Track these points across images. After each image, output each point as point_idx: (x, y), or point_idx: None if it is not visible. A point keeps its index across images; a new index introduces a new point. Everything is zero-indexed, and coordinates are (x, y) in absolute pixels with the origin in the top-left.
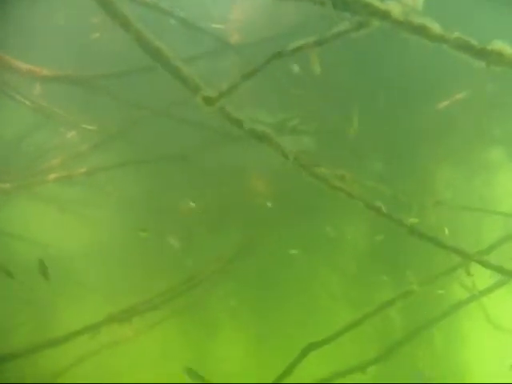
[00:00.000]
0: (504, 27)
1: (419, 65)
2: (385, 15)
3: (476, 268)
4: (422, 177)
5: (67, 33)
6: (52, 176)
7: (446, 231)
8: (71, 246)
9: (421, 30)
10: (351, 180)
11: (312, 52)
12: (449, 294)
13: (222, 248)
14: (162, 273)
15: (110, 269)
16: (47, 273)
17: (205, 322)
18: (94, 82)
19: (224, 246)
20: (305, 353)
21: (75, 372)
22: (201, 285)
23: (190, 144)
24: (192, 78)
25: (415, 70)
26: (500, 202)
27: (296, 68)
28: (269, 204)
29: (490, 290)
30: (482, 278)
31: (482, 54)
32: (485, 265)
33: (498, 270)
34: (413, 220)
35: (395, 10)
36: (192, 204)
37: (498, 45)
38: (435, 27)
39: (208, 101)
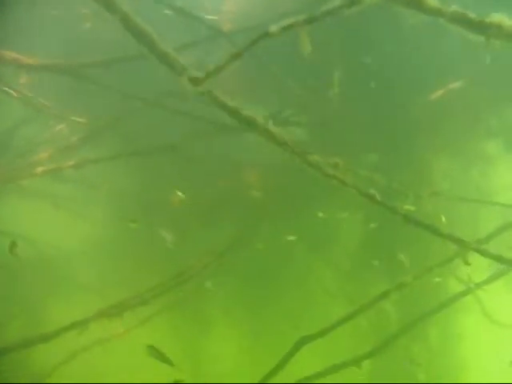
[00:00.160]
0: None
1: (414, 52)
2: None
3: (472, 261)
4: (417, 168)
5: (57, 23)
6: (40, 169)
7: (443, 219)
8: (63, 242)
9: (416, 4)
10: (345, 168)
11: (302, 31)
12: (445, 285)
13: (214, 241)
14: (154, 267)
15: (102, 264)
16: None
17: (197, 318)
18: (81, 71)
19: (216, 239)
20: (298, 346)
21: (65, 369)
22: (192, 279)
23: (181, 135)
24: (178, 61)
25: (410, 58)
26: (497, 193)
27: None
28: (259, 195)
29: (486, 283)
30: (479, 270)
31: (480, 27)
32: (483, 253)
33: (497, 258)
34: (408, 207)
35: None
36: (181, 194)
37: (497, 17)
38: (431, 0)
39: (195, 81)
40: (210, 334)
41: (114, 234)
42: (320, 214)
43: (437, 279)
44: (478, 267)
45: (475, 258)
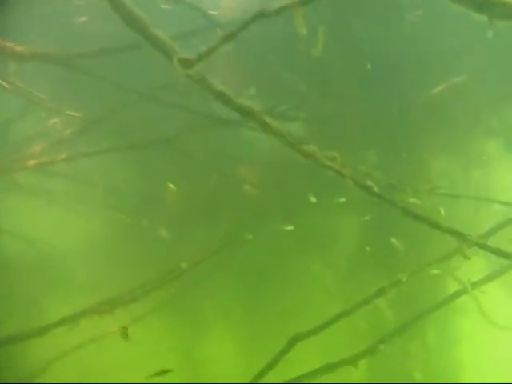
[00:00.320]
0: None
1: (413, 47)
2: None
3: (470, 263)
4: (416, 164)
5: (52, 16)
6: (32, 162)
7: (442, 212)
8: (58, 239)
9: None
10: (342, 162)
11: (297, 12)
12: (443, 283)
13: (209, 238)
14: (151, 264)
15: (98, 262)
16: None
17: (191, 317)
18: (74, 62)
19: (211, 236)
20: (291, 343)
21: (57, 368)
22: (186, 277)
23: (176, 129)
24: (168, 43)
25: (408, 52)
26: (496, 192)
27: None
28: (256, 191)
29: (483, 282)
30: (476, 271)
31: (484, 6)
32: (482, 247)
33: (496, 252)
34: (413, 200)
35: None
36: (172, 187)
37: None
38: None
39: (185, 63)
40: (205, 333)
41: (109, 230)
42: (314, 199)
43: (434, 271)
44: (476, 268)
45: (473, 261)
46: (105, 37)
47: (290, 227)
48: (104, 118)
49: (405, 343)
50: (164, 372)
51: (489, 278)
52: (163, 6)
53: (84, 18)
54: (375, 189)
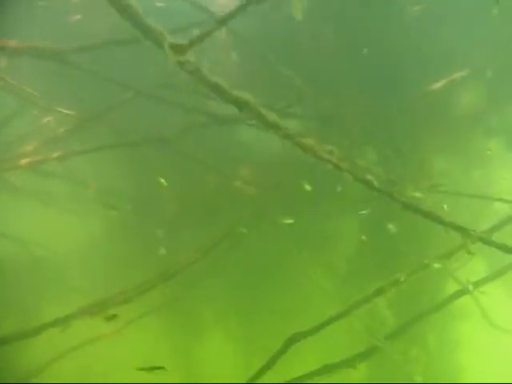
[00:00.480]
0: None
1: (413, 42)
2: None
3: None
4: (417, 161)
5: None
6: (25, 161)
7: (445, 207)
8: (51, 240)
9: None
10: (340, 156)
11: None
12: (443, 283)
13: (205, 238)
14: (147, 265)
15: (94, 264)
16: None
17: (187, 319)
18: (66, 58)
19: (208, 236)
20: (288, 344)
21: (51, 370)
22: (184, 278)
23: (173, 127)
24: (159, 30)
25: (409, 48)
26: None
27: None
28: (253, 190)
29: (484, 282)
30: (477, 273)
31: None
32: (486, 242)
33: (501, 247)
34: (417, 194)
35: None
36: (163, 181)
37: None
38: None
39: (177, 49)
40: (200, 335)
41: (105, 231)
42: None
43: (436, 265)
44: (477, 269)
45: (474, 263)
46: (100, 34)
47: (290, 220)
48: (99, 116)
49: (405, 346)
50: (156, 368)
51: (490, 278)
52: (159, 4)
53: (79, 16)
54: (375, 183)
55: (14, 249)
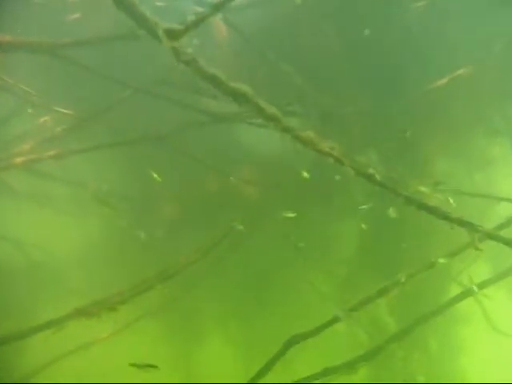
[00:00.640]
0: None
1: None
2: None
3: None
4: (419, 160)
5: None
6: (20, 159)
7: (451, 201)
8: (50, 242)
9: None
10: (341, 153)
11: None
12: (447, 286)
13: (204, 239)
14: (147, 268)
15: (92, 267)
16: None
17: (186, 321)
18: (62, 53)
19: (207, 237)
20: (288, 345)
21: (46, 373)
22: (177, 278)
23: (171, 126)
24: (153, 19)
25: (410, 46)
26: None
27: None
28: (253, 190)
29: (487, 284)
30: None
31: None
32: (494, 237)
33: (508, 243)
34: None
35: None
36: (157, 177)
37: None
38: None
39: (171, 34)
40: (200, 339)
41: (102, 232)
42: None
43: (441, 260)
44: (480, 272)
45: (478, 267)
46: (98, 32)
47: (291, 214)
48: (97, 115)
49: (407, 350)
50: (149, 366)
51: (493, 280)
52: (158, 4)
53: (77, 15)
54: (377, 177)
55: (10, 251)
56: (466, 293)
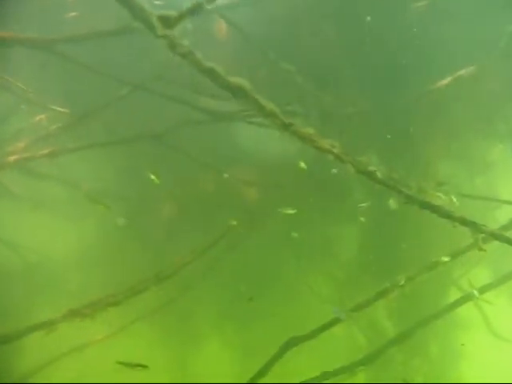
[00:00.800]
0: None
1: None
2: None
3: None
4: (421, 162)
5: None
6: (13, 158)
7: (454, 199)
8: (45, 244)
9: None
10: (342, 152)
11: None
12: (447, 289)
13: (202, 239)
14: (143, 269)
15: (87, 269)
16: None
17: (182, 323)
18: (58, 50)
19: (205, 237)
20: (286, 347)
21: (41, 375)
22: (173, 280)
23: (168, 124)
24: (148, 11)
25: (410, 46)
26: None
27: None
28: (251, 189)
29: (487, 288)
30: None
31: None
32: (497, 237)
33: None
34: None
35: None
36: (154, 178)
37: None
38: None
39: (166, 22)
40: (196, 342)
41: (99, 232)
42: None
43: (445, 259)
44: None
45: (478, 271)
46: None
47: (291, 211)
48: (93, 113)
49: (407, 354)
50: (138, 366)
51: (494, 285)
52: (157, 2)
53: (74, 13)
54: (378, 174)
55: (5, 253)
56: (467, 297)
